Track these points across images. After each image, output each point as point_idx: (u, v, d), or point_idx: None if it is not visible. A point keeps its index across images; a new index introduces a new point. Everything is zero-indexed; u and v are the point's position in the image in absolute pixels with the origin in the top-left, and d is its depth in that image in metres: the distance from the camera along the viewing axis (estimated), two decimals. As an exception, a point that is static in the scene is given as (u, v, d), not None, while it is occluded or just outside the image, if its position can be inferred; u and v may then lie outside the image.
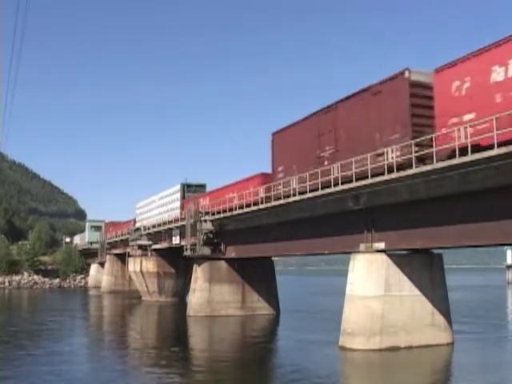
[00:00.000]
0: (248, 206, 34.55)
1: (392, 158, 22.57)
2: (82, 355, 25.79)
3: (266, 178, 34.38)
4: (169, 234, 52.80)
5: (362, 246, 26.46)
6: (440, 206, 22.49)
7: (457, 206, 21.71)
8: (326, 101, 28.66)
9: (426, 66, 23.74)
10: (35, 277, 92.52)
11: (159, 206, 57.39)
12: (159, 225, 54.89)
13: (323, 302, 59.34)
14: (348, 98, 26.83)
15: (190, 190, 50.21)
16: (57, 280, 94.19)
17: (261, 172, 36.03)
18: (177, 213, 49.59)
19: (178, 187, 51.24)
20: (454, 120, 20.36)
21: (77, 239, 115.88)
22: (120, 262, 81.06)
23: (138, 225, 63.45)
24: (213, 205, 41.47)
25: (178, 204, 51.24)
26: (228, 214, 38.30)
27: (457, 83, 20.50)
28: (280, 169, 32.05)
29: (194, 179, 58.12)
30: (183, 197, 50.42)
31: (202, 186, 51.06)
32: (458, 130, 19.71)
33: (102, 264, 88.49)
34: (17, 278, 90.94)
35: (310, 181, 27.49)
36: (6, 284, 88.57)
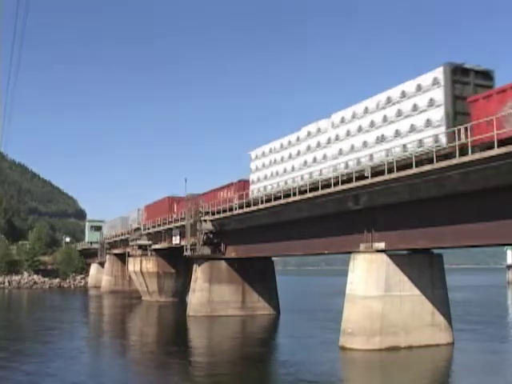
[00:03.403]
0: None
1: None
2: (82, 356, 25.71)
3: None
4: (169, 233, 52.81)
5: (362, 246, 26.47)
6: (440, 205, 22.50)
7: (457, 206, 21.72)
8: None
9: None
10: (35, 277, 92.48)
11: (357, 132, 26.78)
12: (164, 223, 53.94)
13: (323, 302, 59.31)
14: None
15: (464, 82, 22.52)
16: (57, 280, 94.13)
17: None
18: (438, 129, 22.18)
19: (437, 75, 22.64)
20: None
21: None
22: (120, 262, 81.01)
23: (253, 188, 35.69)
24: None
25: (438, 113, 22.33)
26: (228, 213, 38.30)
27: None
28: None
29: (198, 187, 44.43)
30: (455, 94, 22.29)
31: (487, 76, 23.11)
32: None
33: (101, 264, 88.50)
34: (17, 278, 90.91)
35: None
36: (6, 284, 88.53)
